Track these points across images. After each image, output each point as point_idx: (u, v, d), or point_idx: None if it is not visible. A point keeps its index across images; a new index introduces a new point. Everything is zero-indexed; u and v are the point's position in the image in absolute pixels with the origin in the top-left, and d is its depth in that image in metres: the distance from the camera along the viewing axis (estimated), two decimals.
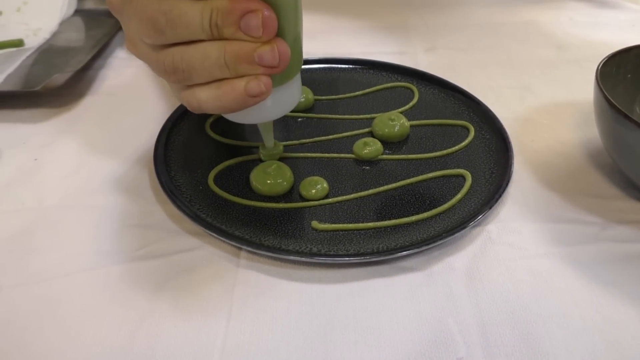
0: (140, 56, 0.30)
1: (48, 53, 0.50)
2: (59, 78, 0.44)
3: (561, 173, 0.36)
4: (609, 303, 0.28)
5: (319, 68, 0.46)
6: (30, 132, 0.41)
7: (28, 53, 0.49)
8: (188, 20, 0.26)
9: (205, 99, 0.28)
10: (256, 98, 0.27)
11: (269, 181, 0.34)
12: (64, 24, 0.55)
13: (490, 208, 0.32)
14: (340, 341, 0.26)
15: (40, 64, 0.48)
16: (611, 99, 0.31)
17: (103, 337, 0.26)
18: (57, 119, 0.42)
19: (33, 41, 0.51)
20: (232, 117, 0.32)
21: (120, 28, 0.53)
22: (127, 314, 0.27)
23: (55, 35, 0.53)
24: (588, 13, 0.57)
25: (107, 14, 0.56)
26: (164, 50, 0.27)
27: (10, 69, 0.47)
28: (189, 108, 0.29)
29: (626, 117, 0.30)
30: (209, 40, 0.27)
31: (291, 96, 0.31)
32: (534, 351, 0.25)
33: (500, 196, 0.33)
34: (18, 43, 0.50)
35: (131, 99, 0.45)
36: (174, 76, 0.28)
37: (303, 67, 0.45)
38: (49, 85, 0.43)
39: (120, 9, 0.29)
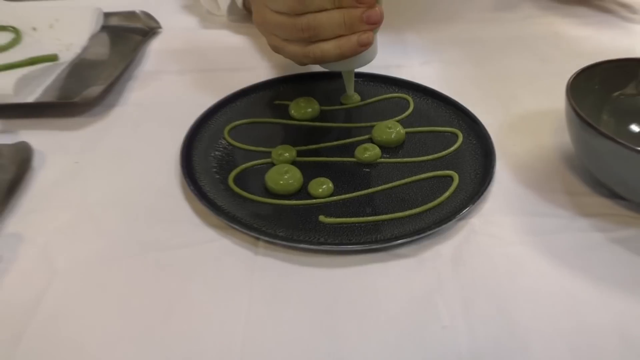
0: (273, 24, 0.43)
1: (80, 67, 0.55)
2: (94, 90, 0.49)
3: (538, 173, 0.41)
4: (574, 283, 0.33)
5: (325, 81, 0.51)
6: (69, 139, 0.46)
7: (62, 67, 0.54)
8: None
9: (328, 48, 0.41)
10: (364, 47, 0.41)
11: (281, 181, 0.39)
12: (92, 39, 0.60)
13: (473, 204, 0.37)
14: (345, 314, 0.31)
15: (74, 76, 0.54)
16: (578, 110, 0.36)
17: (145, 314, 0.31)
18: (93, 126, 0.48)
19: (66, 55, 0.56)
20: (335, 65, 0.44)
21: (142, 44, 0.59)
22: (164, 293, 0.33)
23: (85, 49, 0.58)
24: (571, 29, 0.62)
25: (131, 30, 0.62)
26: (299, 17, 0.40)
27: (48, 81, 0.52)
28: (309, 59, 0.42)
29: (590, 125, 0.35)
30: (333, 8, 0.40)
31: (374, 50, 0.44)
32: (506, 321, 0.30)
33: (482, 194, 0.38)
34: (53, 57, 0.55)
35: (157, 109, 0.50)
36: (307, 33, 0.40)
37: (312, 80, 0.51)
38: (85, 97, 0.48)
39: None
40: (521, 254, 0.35)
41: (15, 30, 0.60)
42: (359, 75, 0.51)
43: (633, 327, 0.30)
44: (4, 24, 0.61)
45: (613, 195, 0.38)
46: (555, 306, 0.31)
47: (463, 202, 0.37)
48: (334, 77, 0.51)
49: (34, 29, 0.61)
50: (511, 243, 0.35)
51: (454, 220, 0.36)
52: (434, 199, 0.38)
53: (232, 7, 0.62)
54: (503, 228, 0.37)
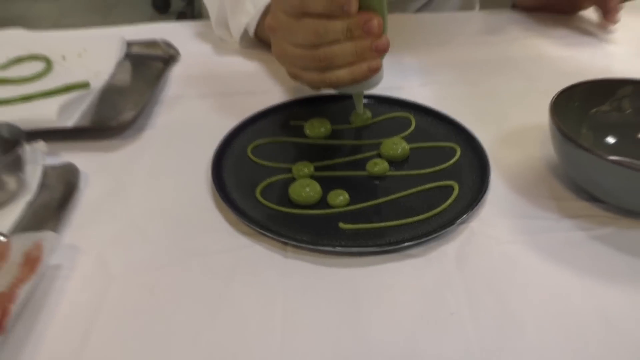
0: (292, 56, 0.48)
1: (109, 93, 0.61)
2: (127, 115, 0.55)
3: (527, 181, 0.47)
4: (561, 274, 0.38)
5: (335, 102, 0.57)
6: (108, 159, 0.51)
7: (94, 93, 0.60)
8: (336, 29, 0.45)
9: (342, 75, 0.47)
10: (373, 72, 0.47)
11: (304, 194, 0.44)
12: (117, 66, 0.65)
13: (472, 210, 0.42)
14: (366, 306, 0.36)
15: (105, 102, 0.59)
16: (560, 125, 0.42)
17: (193, 312, 0.36)
18: (128, 148, 0.53)
19: (96, 82, 0.61)
20: (347, 89, 0.50)
21: (165, 71, 0.64)
22: (208, 294, 0.38)
23: (112, 76, 0.63)
24: (553, 50, 0.68)
25: (152, 58, 0.67)
26: (316, 49, 0.46)
27: (83, 106, 0.57)
28: (325, 84, 0.49)
29: (570, 139, 0.41)
30: (346, 40, 0.45)
31: (381, 74, 0.50)
32: (504, 308, 0.36)
33: (479, 200, 0.43)
34: (85, 85, 0.60)
35: (183, 131, 0.55)
36: (324, 62, 0.46)
37: (323, 102, 0.56)
38: (120, 121, 0.54)
39: (275, 29, 0.49)
40: (515, 251, 0.40)
41: (46, 59, 0.65)
42: (366, 97, 0.56)
43: (611, 310, 0.36)
44: (36, 53, 0.66)
45: (592, 198, 0.44)
46: (546, 294, 0.37)
47: (463, 208, 0.43)
48: (343, 99, 0.57)
49: (64, 57, 0.66)
50: (506, 242, 0.41)
51: (456, 224, 0.41)
52: (438, 206, 0.43)
53: (244, 36, 0.68)
54: (499, 229, 0.42)
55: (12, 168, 0.44)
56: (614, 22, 0.71)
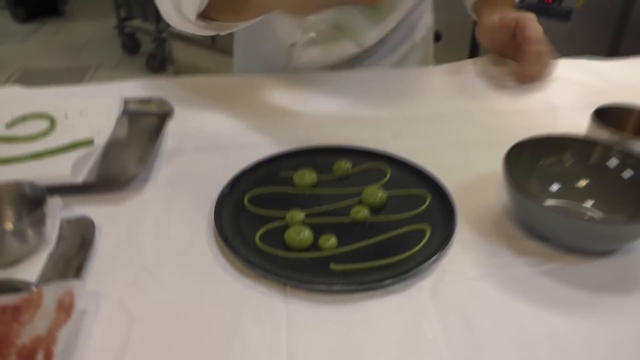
0: None
1: (112, 148, 0.66)
2: (131, 170, 0.61)
3: (487, 224, 0.55)
4: (516, 303, 0.46)
5: (320, 154, 0.64)
6: (117, 211, 0.57)
7: (99, 149, 0.65)
8: None
9: None
10: None
11: (298, 240, 0.51)
12: (117, 123, 0.71)
13: (442, 250, 0.50)
14: (357, 335, 0.43)
15: (109, 157, 0.64)
16: (510, 177, 0.50)
17: (208, 346, 0.42)
18: (134, 199, 0.59)
19: (98, 139, 0.67)
20: None
21: (163, 127, 0.70)
22: (220, 329, 0.44)
23: (113, 133, 0.69)
24: (508, 105, 0.78)
25: (148, 114, 0.74)
26: None
27: (90, 162, 0.63)
28: None
29: (519, 189, 0.49)
30: None
31: None
32: (471, 333, 0.43)
33: (448, 242, 0.51)
34: (89, 142, 0.66)
35: (184, 182, 0.61)
36: None
37: (308, 154, 0.63)
38: (127, 176, 0.60)
39: None
40: (479, 285, 0.48)
41: (50, 117, 0.71)
42: (346, 150, 0.64)
43: (557, 333, 0.43)
44: (39, 111, 0.72)
45: (540, 238, 0.52)
46: (505, 321, 0.44)
47: (435, 248, 0.50)
48: (326, 151, 0.65)
49: (66, 115, 0.71)
50: (471, 278, 0.48)
51: (429, 262, 0.48)
52: (413, 247, 0.51)
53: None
54: (465, 267, 0.50)
55: (36, 224, 0.50)
56: (522, 81, 0.81)
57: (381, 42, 0.91)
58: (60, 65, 3.51)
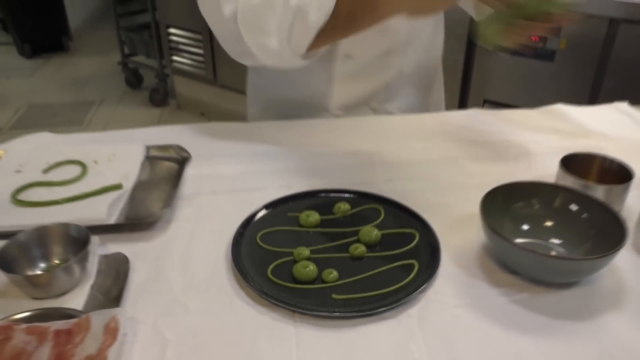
0: None
1: (137, 191, 0.75)
2: (157, 211, 0.69)
3: (467, 259, 0.63)
4: (491, 328, 0.54)
5: (322, 196, 0.73)
6: (146, 248, 0.65)
7: (127, 193, 0.74)
8: None
9: None
10: None
11: (304, 273, 0.59)
12: (141, 168, 0.80)
13: (428, 282, 0.58)
14: (353, 352, 0.51)
15: (136, 200, 0.73)
16: (486, 219, 0.59)
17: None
18: (160, 237, 0.67)
19: (126, 183, 0.76)
20: None
21: (182, 172, 0.79)
22: (241, 349, 0.52)
23: (138, 177, 0.78)
24: (488, 150, 0.87)
25: (167, 159, 0.83)
26: None
27: (120, 205, 0.71)
28: None
29: (493, 230, 0.58)
30: None
31: None
32: (451, 352, 0.51)
33: (433, 275, 0.59)
34: (119, 186, 0.75)
35: (202, 222, 0.70)
36: None
37: (312, 196, 0.71)
38: (154, 217, 0.68)
39: None
40: (459, 312, 0.56)
41: (81, 163, 0.80)
42: (345, 192, 0.73)
43: (525, 352, 0.52)
44: (72, 158, 0.81)
45: (512, 271, 0.61)
46: (481, 343, 0.53)
47: (422, 280, 0.59)
48: (327, 194, 0.73)
49: (96, 162, 0.80)
50: (452, 306, 0.57)
51: (416, 293, 0.57)
52: (403, 279, 0.59)
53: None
54: (447, 296, 0.58)
55: (81, 260, 0.58)
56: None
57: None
58: (66, 100, 3.62)
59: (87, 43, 4.64)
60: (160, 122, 3.26)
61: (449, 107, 1.15)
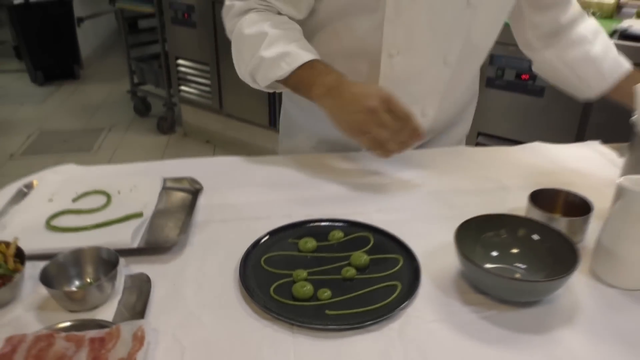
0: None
1: (156, 219, 0.85)
2: (173, 237, 0.79)
3: (444, 280, 0.72)
4: (461, 342, 0.63)
5: (319, 225, 0.83)
6: (164, 269, 0.75)
7: (147, 220, 0.84)
8: None
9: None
10: None
11: (302, 292, 0.69)
12: (158, 197, 0.90)
13: (409, 300, 0.68)
14: (342, 359, 0.60)
15: (154, 226, 0.83)
16: (459, 246, 0.69)
17: None
18: (176, 260, 0.77)
19: (146, 212, 0.86)
20: None
21: (195, 201, 0.89)
22: (248, 352, 0.61)
23: (156, 206, 0.88)
24: (466, 184, 0.97)
25: (181, 190, 0.93)
26: None
27: (141, 231, 0.81)
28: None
29: (466, 257, 0.68)
30: None
31: None
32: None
33: (413, 295, 0.69)
34: (140, 214, 0.84)
35: (214, 247, 0.80)
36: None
37: (308, 224, 0.81)
38: (171, 242, 0.78)
39: None
40: (434, 327, 0.65)
41: (106, 193, 0.90)
42: (338, 221, 0.83)
43: None
44: (98, 188, 0.91)
45: (482, 292, 0.70)
46: (452, 352, 0.62)
47: (403, 299, 0.68)
48: (323, 223, 0.83)
49: (119, 192, 0.90)
50: (429, 321, 0.66)
51: (397, 310, 0.66)
52: (388, 298, 0.69)
53: (270, 85, 0.94)
54: (425, 313, 0.67)
55: (111, 279, 0.68)
56: None
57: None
58: (76, 126, 3.75)
59: (97, 71, 4.81)
60: (167, 149, 3.38)
61: None
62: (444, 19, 0.94)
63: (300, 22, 0.99)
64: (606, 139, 1.16)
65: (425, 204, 0.91)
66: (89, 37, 4.90)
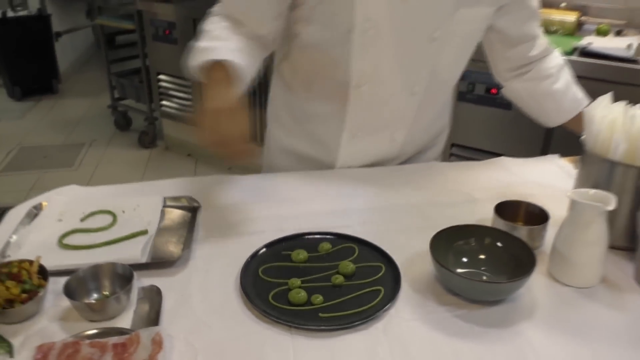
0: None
1: (159, 235, 0.93)
2: (177, 252, 0.87)
3: (422, 284, 0.82)
4: (437, 337, 0.73)
5: (309, 237, 0.92)
6: (170, 281, 0.83)
7: (152, 237, 0.92)
8: None
9: None
10: None
11: (297, 298, 0.78)
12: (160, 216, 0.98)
13: (391, 302, 0.77)
14: (336, 356, 0.70)
15: (159, 242, 0.91)
16: (434, 253, 0.79)
17: None
18: (182, 273, 0.85)
19: (150, 229, 0.94)
20: None
21: (195, 219, 0.97)
22: (252, 352, 0.70)
23: (159, 224, 0.96)
24: (441, 197, 1.08)
25: (180, 208, 1.01)
26: None
27: (148, 247, 0.89)
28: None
29: (439, 262, 0.78)
30: None
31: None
32: (408, 353, 0.70)
33: (395, 298, 0.78)
34: (145, 232, 0.93)
35: (214, 260, 0.88)
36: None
37: (300, 238, 0.90)
38: (175, 257, 0.86)
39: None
40: (414, 325, 0.75)
41: (112, 213, 0.98)
42: (327, 234, 0.92)
43: (462, 352, 0.71)
44: (104, 208, 0.99)
45: (454, 293, 0.80)
46: (429, 346, 0.72)
47: (387, 302, 0.78)
48: (313, 236, 0.93)
49: (124, 211, 0.98)
50: (409, 319, 0.76)
51: (382, 311, 0.76)
52: (373, 301, 0.78)
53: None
54: (405, 313, 0.77)
55: (127, 292, 0.76)
56: None
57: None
58: (56, 141, 3.77)
59: (75, 85, 4.81)
60: (149, 162, 3.43)
61: None
62: (409, 53, 1.04)
63: (279, 45, 1.09)
64: (568, 149, 1.26)
65: (403, 216, 1.01)
66: (66, 51, 4.91)
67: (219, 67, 0.94)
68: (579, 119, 1.12)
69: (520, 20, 1.12)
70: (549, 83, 1.18)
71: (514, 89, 1.23)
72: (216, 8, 1.05)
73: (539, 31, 1.17)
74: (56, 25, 4.56)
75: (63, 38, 4.78)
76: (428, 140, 1.26)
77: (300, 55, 1.10)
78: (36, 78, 4.48)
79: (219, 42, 0.98)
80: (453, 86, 1.19)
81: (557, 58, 1.21)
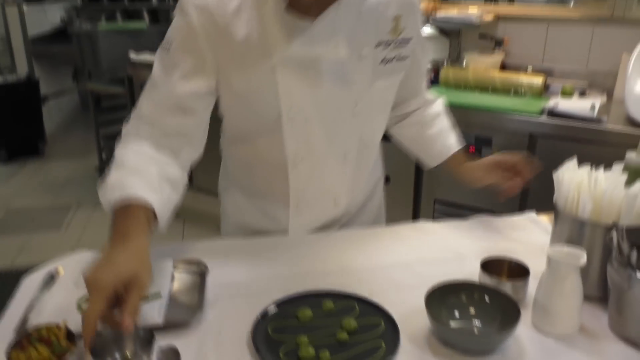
0: None
1: (172, 297, 1.00)
2: (192, 314, 0.94)
3: (418, 338, 0.90)
4: (422, 345, 0.81)
5: (312, 296, 1.00)
6: (187, 340, 0.89)
7: (166, 299, 0.98)
8: None
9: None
10: None
11: (306, 354, 0.85)
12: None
13: (391, 356, 0.84)
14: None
15: (173, 304, 0.97)
16: (428, 310, 0.87)
17: None
18: (195, 334, 0.91)
19: (163, 292, 1.00)
20: None
21: (204, 282, 1.04)
22: None
23: (170, 287, 1.03)
24: (432, 254, 1.17)
25: (188, 271, 1.08)
26: None
27: (163, 309, 0.96)
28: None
29: (434, 319, 0.86)
30: None
31: None
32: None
33: (394, 351, 0.86)
34: (158, 295, 0.99)
35: (225, 320, 0.95)
36: None
37: (306, 298, 0.98)
38: (189, 319, 0.93)
39: None
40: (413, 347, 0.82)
41: None
42: (329, 295, 1.00)
43: None
44: None
45: (449, 345, 0.87)
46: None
47: (387, 355, 0.85)
48: (316, 295, 1.00)
49: None
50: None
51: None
52: (374, 354, 0.85)
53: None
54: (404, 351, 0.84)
55: (149, 353, 0.82)
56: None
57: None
58: (43, 205, 3.79)
59: (61, 148, 4.87)
60: None
61: (404, 206, 1.47)
62: (336, 129, 1.17)
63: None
64: (544, 204, 1.37)
65: (398, 274, 1.10)
66: (52, 113, 5.00)
67: (135, 207, 0.93)
68: (452, 162, 1.33)
69: (412, 80, 1.28)
70: (424, 129, 1.35)
71: (394, 133, 1.41)
72: (132, 116, 1.14)
73: (425, 86, 1.35)
74: (43, 88, 4.67)
75: (49, 101, 4.89)
76: (368, 192, 1.37)
77: (236, 146, 1.24)
78: (23, 141, 4.54)
79: (134, 176, 0.97)
80: (379, 143, 1.33)
81: (437, 107, 1.38)
